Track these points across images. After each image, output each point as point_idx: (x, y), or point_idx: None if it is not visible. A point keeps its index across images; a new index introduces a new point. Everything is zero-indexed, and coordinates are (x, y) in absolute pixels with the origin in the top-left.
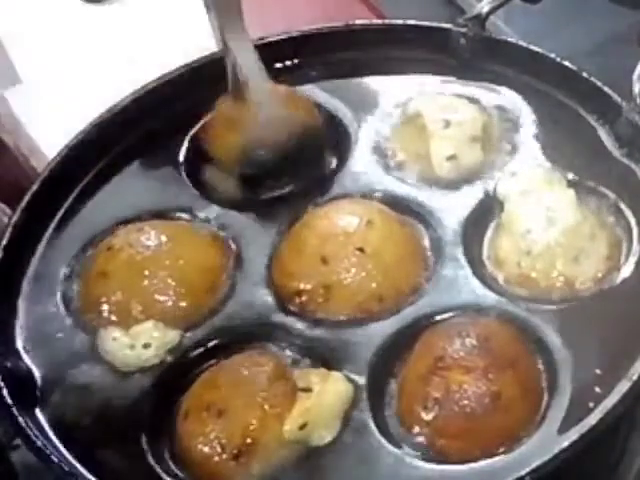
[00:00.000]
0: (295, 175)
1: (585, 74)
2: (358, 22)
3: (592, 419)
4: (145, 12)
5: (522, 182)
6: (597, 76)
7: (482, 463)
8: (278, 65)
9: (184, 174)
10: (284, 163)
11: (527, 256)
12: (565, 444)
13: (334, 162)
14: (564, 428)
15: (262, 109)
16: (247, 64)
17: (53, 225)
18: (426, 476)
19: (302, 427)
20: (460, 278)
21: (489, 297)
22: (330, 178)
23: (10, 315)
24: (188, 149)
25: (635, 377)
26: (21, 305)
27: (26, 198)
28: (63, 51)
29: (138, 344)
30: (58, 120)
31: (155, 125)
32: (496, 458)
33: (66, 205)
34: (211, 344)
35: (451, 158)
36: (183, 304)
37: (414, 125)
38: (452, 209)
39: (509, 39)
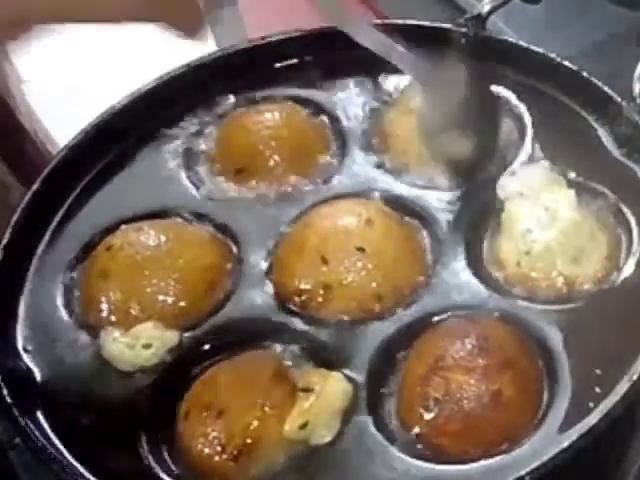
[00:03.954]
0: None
1: (585, 74)
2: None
3: (592, 419)
4: None
5: (522, 182)
6: (597, 76)
7: (482, 463)
8: (278, 65)
9: (184, 174)
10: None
11: (527, 256)
12: (565, 444)
13: (335, 162)
14: (564, 428)
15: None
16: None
17: (53, 225)
18: (426, 476)
19: (302, 427)
20: (460, 278)
21: (489, 297)
22: (330, 178)
23: (10, 315)
24: (188, 149)
25: (635, 377)
26: (21, 305)
27: (26, 198)
28: (70, 46)
29: (138, 344)
30: (69, 111)
31: (155, 125)
32: (496, 458)
33: (66, 205)
34: (211, 344)
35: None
36: (183, 304)
37: (414, 125)
38: (452, 209)
39: (509, 39)
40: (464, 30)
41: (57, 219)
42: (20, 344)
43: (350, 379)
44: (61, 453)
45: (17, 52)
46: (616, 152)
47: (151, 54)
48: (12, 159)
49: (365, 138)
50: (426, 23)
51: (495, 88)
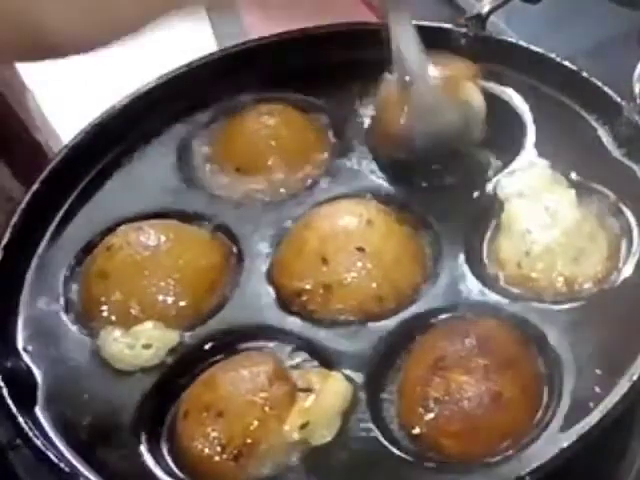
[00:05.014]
0: (449, 166)
1: (585, 74)
2: (358, 22)
3: (592, 419)
4: None
5: (522, 182)
6: (597, 76)
7: (482, 463)
8: (278, 65)
9: (184, 174)
10: (438, 152)
11: (527, 256)
12: (565, 444)
13: (335, 163)
14: (564, 428)
15: (422, 98)
16: (408, 51)
17: (53, 225)
18: (426, 476)
19: (302, 427)
20: (460, 278)
21: (489, 297)
22: (330, 178)
23: (11, 315)
24: (188, 149)
25: (635, 377)
26: (21, 305)
27: (26, 198)
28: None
29: (138, 344)
30: (78, 112)
31: (155, 125)
32: (496, 458)
33: (66, 205)
34: (211, 344)
35: None
36: (183, 304)
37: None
38: (452, 209)
39: (509, 39)
40: (464, 30)
41: (57, 219)
42: (20, 344)
43: (350, 379)
44: (61, 453)
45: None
46: (616, 152)
47: (152, 54)
48: (23, 172)
49: (365, 138)
50: (426, 23)
51: (496, 88)
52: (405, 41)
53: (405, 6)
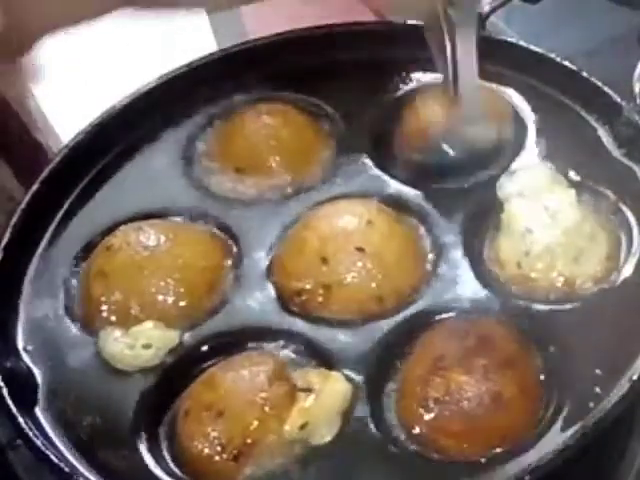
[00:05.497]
0: (464, 175)
1: (585, 74)
2: (358, 22)
3: (592, 419)
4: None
5: (522, 182)
6: (597, 76)
7: (482, 463)
8: (278, 65)
9: (184, 173)
10: (461, 162)
11: (527, 256)
12: (565, 444)
13: (335, 162)
14: (564, 428)
15: (465, 105)
16: (465, 54)
17: (53, 225)
18: (426, 476)
19: (302, 427)
20: (460, 278)
21: (489, 297)
22: (330, 178)
23: (10, 315)
24: (188, 148)
25: (635, 377)
26: (21, 305)
27: (26, 198)
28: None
29: (138, 344)
30: (78, 112)
31: (155, 125)
32: (496, 458)
33: (66, 205)
34: (211, 344)
35: None
36: (183, 304)
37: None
38: (452, 209)
39: (509, 39)
40: None
41: (57, 219)
42: (20, 344)
43: (350, 379)
44: (61, 453)
45: (24, 63)
46: (616, 152)
47: (151, 54)
48: (24, 172)
49: (365, 138)
50: None
51: (496, 88)
52: (465, 59)
53: (472, 22)
